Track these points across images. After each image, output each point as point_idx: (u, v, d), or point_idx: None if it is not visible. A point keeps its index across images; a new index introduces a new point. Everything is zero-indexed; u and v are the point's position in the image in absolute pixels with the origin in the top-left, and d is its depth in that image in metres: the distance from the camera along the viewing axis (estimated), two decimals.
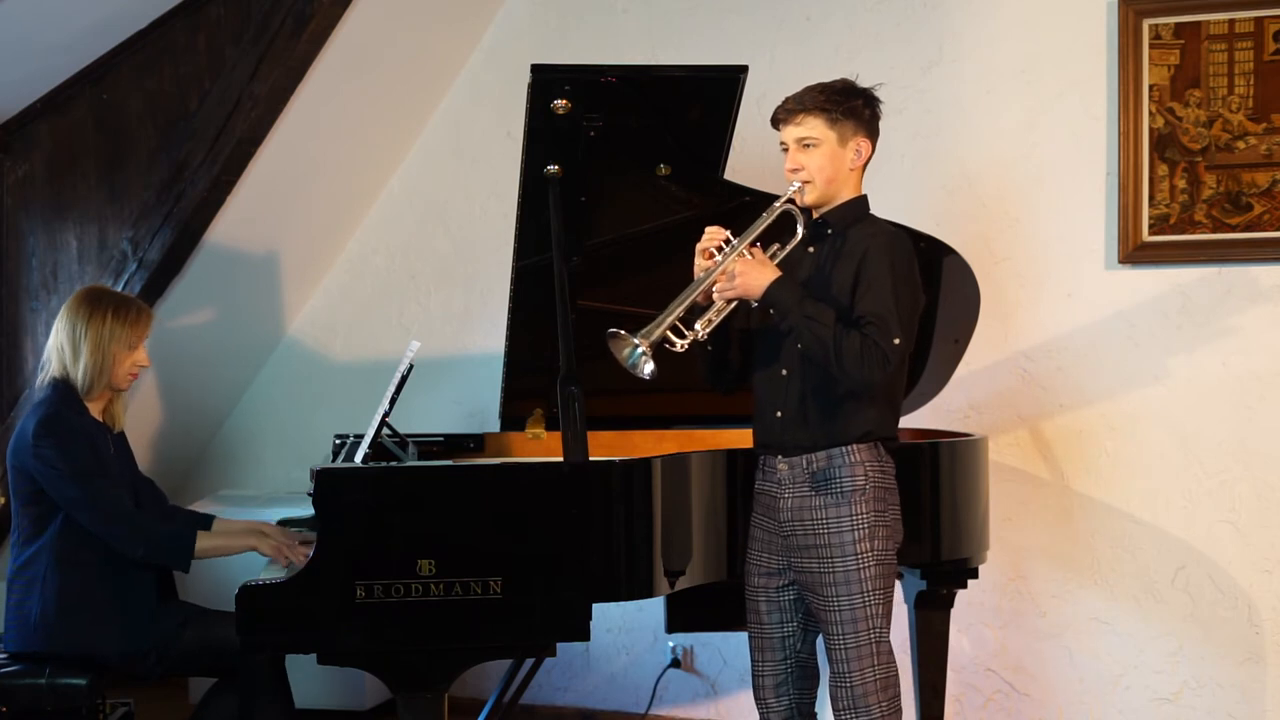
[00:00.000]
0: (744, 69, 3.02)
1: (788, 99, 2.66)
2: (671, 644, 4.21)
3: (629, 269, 3.38)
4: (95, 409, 3.09)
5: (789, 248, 2.66)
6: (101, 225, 4.05)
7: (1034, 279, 3.84)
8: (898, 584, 3.43)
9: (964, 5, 3.90)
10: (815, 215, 2.70)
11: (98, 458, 3.00)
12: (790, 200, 2.65)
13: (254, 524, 3.16)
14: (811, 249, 2.70)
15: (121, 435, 3.20)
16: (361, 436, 3.13)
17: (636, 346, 2.49)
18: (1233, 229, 3.61)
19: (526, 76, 2.89)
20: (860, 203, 2.70)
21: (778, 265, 2.62)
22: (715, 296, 2.59)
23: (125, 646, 2.99)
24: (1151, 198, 3.67)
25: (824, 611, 2.61)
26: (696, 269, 2.62)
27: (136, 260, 3.96)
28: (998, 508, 3.63)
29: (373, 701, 4.22)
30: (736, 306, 2.64)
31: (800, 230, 2.65)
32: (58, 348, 3.05)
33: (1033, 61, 3.83)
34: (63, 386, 3.03)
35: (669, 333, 2.54)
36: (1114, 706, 3.76)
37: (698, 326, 2.58)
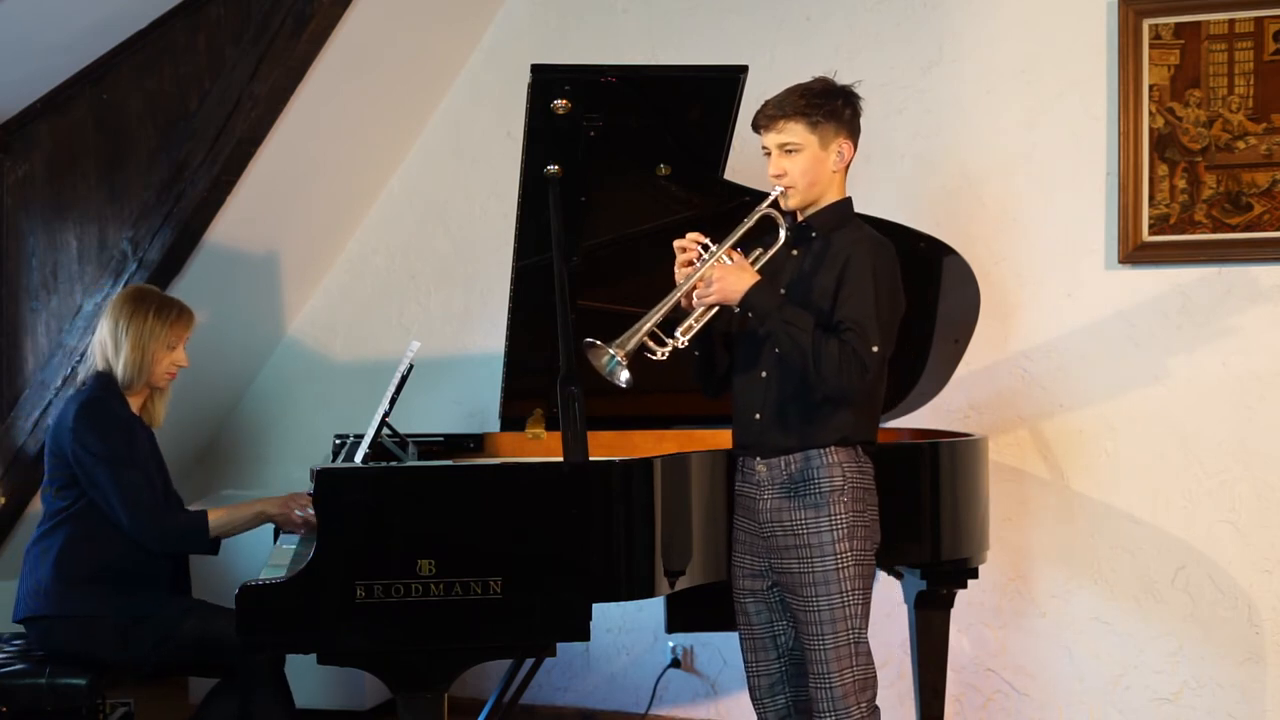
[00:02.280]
0: (744, 69, 3.02)
1: (767, 103, 2.64)
2: (671, 644, 4.21)
3: (629, 269, 3.37)
4: (135, 403, 3.20)
5: (771, 252, 2.65)
6: (101, 225, 4.05)
7: (1034, 279, 3.84)
8: (898, 584, 3.44)
9: (964, 5, 3.90)
10: (799, 218, 2.69)
11: (132, 448, 3.09)
12: (773, 204, 2.64)
13: (259, 499, 3.21)
14: (795, 252, 2.69)
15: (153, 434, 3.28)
16: (361, 436, 3.13)
17: (613, 356, 2.49)
18: (1233, 229, 3.61)
19: (526, 76, 2.89)
20: (844, 205, 2.69)
21: (761, 269, 2.61)
22: (694, 302, 2.58)
23: (125, 617, 3.01)
24: (1151, 198, 3.67)
25: (803, 612, 2.61)
26: (677, 275, 2.62)
27: (136, 260, 3.96)
28: (998, 508, 3.63)
29: (373, 701, 4.22)
30: (719, 312, 2.63)
31: (783, 234, 2.64)
32: (101, 342, 3.17)
33: (1033, 61, 3.82)
34: (105, 378, 3.15)
35: (648, 340, 2.53)
36: (1114, 706, 3.76)
37: (678, 334, 2.57)
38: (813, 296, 2.61)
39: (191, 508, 3.64)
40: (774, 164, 2.64)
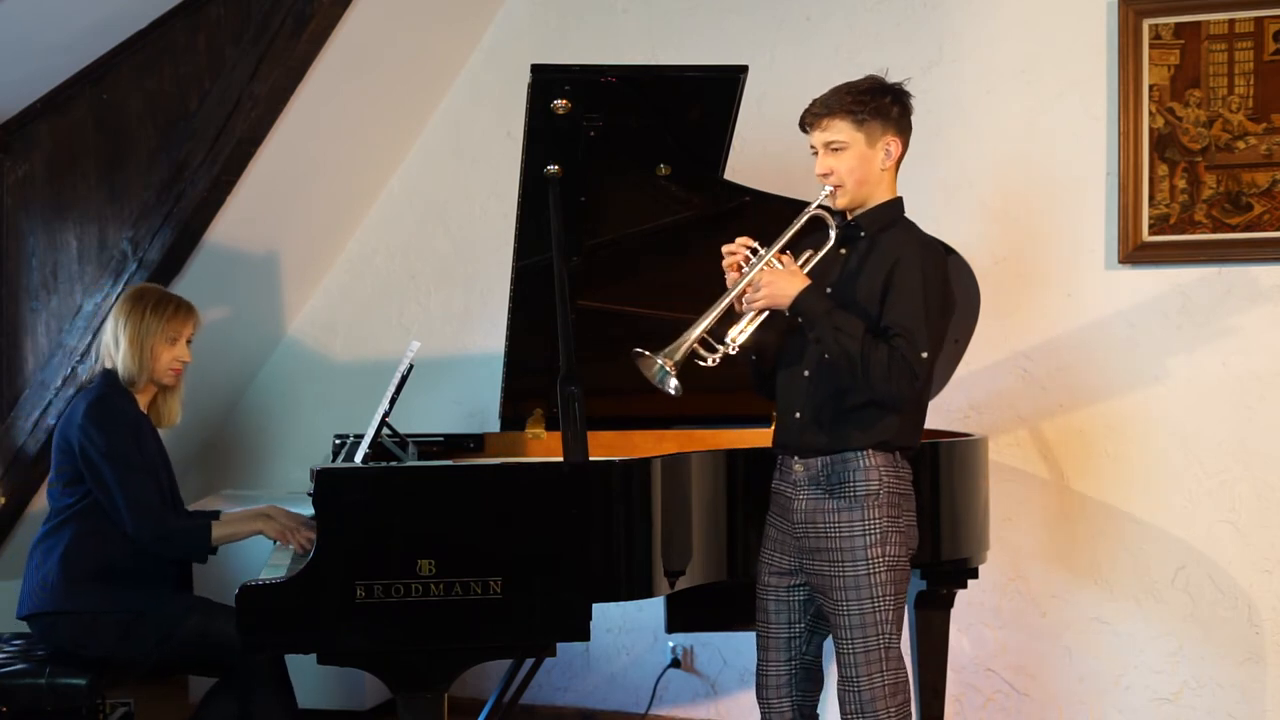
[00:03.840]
0: (744, 69, 3.02)
1: (815, 102, 2.62)
2: (671, 644, 4.21)
3: (629, 269, 3.37)
4: (142, 401, 3.22)
5: (821, 253, 2.63)
6: (101, 225, 4.05)
7: (1034, 279, 3.84)
8: None
9: (964, 5, 3.90)
10: (849, 217, 2.67)
11: (139, 447, 3.10)
12: (822, 205, 2.62)
13: (260, 508, 3.19)
14: (844, 251, 2.67)
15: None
16: (361, 436, 3.13)
17: (661, 365, 2.48)
18: (1233, 229, 3.61)
19: (526, 76, 2.89)
20: (894, 205, 2.67)
21: (810, 272, 2.59)
22: (744, 307, 2.57)
23: (128, 613, 3.02)
24: (1151, 198, 3.67)
25: (834, 615, 2.61)
26: (728, 281, 2.60)
27: (136, 260, 3.96)
28: (998, 508, 3.63)
29: (373, 701, 4.22)
30: (770, 315, 2.61)
31: (833, 234, 2.62)
32: (105, 341, 3.20)
33: (1033, 61, 3.83)
34: (111, 376, 3.17)
35: (698, 347, 2.52)
36: (1114, 706, 3.76)
37: (728, 339, 2.56)
38: (859, 298, 2.58)
39: (194, 507, 3.65)
40: (820, 162, 2.62)
